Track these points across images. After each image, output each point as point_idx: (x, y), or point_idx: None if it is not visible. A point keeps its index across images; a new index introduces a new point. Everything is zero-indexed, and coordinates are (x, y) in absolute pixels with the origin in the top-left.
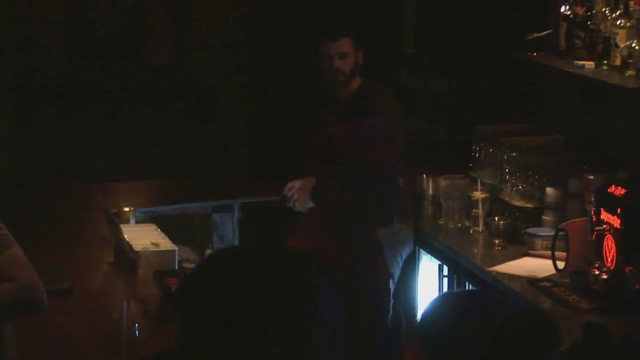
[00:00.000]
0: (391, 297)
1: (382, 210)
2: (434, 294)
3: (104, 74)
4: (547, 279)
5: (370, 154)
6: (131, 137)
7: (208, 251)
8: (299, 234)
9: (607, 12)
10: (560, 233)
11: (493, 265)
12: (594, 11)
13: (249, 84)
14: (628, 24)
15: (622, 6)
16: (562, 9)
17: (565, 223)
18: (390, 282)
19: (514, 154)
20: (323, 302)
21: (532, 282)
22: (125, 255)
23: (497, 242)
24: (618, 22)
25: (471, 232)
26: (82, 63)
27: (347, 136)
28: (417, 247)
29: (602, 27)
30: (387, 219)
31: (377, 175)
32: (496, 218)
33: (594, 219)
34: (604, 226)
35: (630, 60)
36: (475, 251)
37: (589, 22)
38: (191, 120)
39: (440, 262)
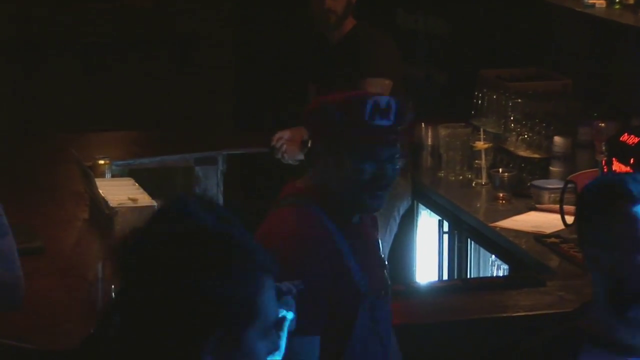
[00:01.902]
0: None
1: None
2: (434, 251)
3: (74, 18)
4: (555, 234)
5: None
6: (107, 86)
7: None
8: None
9: None
10: (569, 185)
11: (497, 221)
12: None
13: (233, 26)
14: None
15: None
16: None
17: (574, 174)
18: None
19: (519, 101)
20: (263, 295)
21: (538, 238)
22: (101, 212)
23: (501, 195)
24: None
25: (473, 184)
26: (52, 7)
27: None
28: (415, 202)
29: None
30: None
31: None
32: (500, 170)
33: (605, 170)
34: None
35: None
36: (478, 205)
37: None
38: (171, 67)
39: (440, 218)
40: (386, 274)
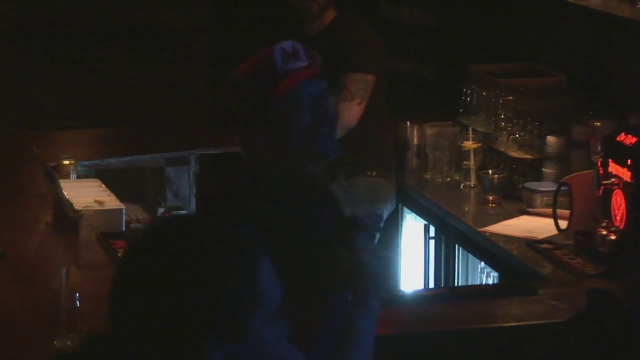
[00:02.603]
0: None
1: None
2: (419, 258)
3: (40, 6)
4: (548, 240)
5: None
6: (72, 79)
7: (160, 210)
8: None
9: None
10: (562, 188)
11: (486, 225)
12: None
13: (208, 15)
14: None
15: None
16: None
17: (568, 176)
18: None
19: (510, 98)
20: (262, 281)
21: (530, 244)
22: (66, 215)
23: (491, 198)
24: None
25: (462, 187)
26: None
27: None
28: (399, 205)
29: None
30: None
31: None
32: (490, 171)
33: (601, 172)
34: (612, 180)
35: None
36: (467, 209)
37: None
38: (142, 60)
39: (426, 222)
40: None
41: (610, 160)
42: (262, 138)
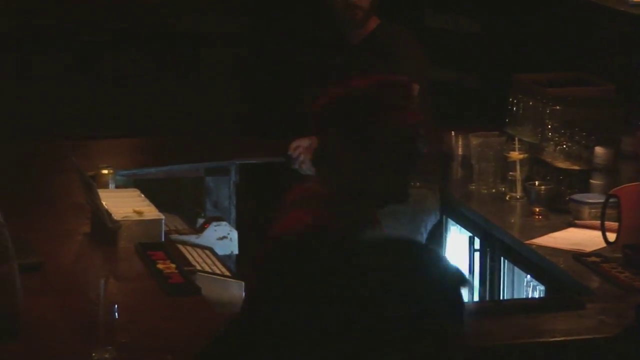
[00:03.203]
0: None
1: (392, 194)
2: (464, 271)
3: (74, 15)
4: (596, 253)
5: (401, 117)
6: (109, 88)
7: (200, 220)
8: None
9: None
10: (611, 200)
11: (533, 238)
12: None
13: (242, 22)
14: None
15: None
16: None
17: (617, 188)
18: None
19: (557, 108)
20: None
21: (578, 257)
22: (104, 226)
23: (537, 210)
24: None
25: (507, 198)
26: (48, 2)
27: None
28: (444, 217)
29: None
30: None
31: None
32: (536, 182)
33: None
34: None
35: None
36: (512, 221)
37: None
38: (178, 68)
39: (471, 234)
40: None
41: None
42: (346, 154)
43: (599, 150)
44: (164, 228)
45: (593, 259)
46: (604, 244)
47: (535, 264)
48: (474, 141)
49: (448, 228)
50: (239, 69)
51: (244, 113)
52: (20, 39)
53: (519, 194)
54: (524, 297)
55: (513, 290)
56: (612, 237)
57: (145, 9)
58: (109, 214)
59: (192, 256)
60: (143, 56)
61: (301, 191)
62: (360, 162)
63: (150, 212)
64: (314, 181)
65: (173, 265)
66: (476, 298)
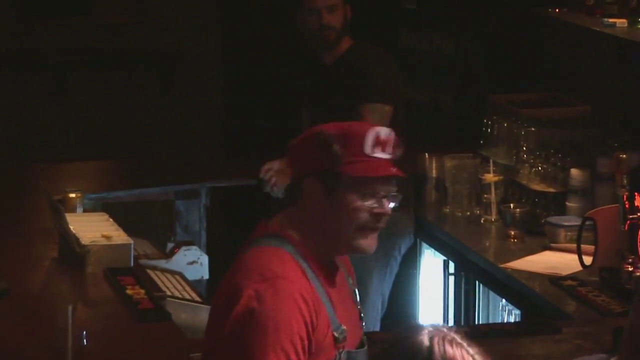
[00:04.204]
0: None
1: None
2: (438, 294)
3: (45, 36)
4: (572, 276)
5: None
6: (79, 109)
7: (170, 244)
8: None
9: None
10: (587, 222)
11: (508, 261)
12: None
13: (220, 44)
14: None
15: None
16: None
17: (593, 211)
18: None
19: (533, 129)
20: None
21: (554, 280)
22: (72, 250)
23: (512, 233)
24: None
25: (482, 221)
26: (19, 22)
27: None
28: (418, 240)
29: None
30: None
31: None
32: (512, 205)
33: (627, 206)
34: (639, 214)
35: None
36: (487, 244)
37: None
38: (150, 89)
39: (445, 258)
40: (362, 325)
41: (636, 193)
42: (314, 198)
43: (574, 172)
44: (133, 253)
45: (569, 282)
46: (580, 267)
47: (511, 287)
48: (448, 163)
49: (422, 251)
50: (213, 90)
51: (219, 134)
52: None
53: (494, 217)
54: (500, 321)
55: (488, 314)
56: (588, 260)
57: (120, 30)
58: (77, 239)
59: (162, 281)
60: (112, 77)
61: (264, 229)
62: (327, 204)
63: (119, 236)
64: (278, 218)
65: (142, 291)
66: (451, 322)
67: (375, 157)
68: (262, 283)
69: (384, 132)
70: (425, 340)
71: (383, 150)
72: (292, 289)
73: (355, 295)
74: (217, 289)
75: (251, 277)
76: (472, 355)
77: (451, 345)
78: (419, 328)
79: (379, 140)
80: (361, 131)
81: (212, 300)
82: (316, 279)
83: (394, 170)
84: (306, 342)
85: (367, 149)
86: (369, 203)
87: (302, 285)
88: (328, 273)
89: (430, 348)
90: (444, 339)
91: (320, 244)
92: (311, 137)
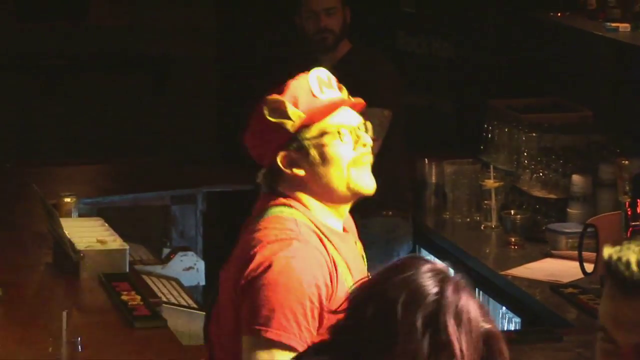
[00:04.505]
0: None
1: None
2: None
3: (40, 39)
4: (573, 284)
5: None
6: (73, 112)
7: (166, 250)
8: None
9: None
10: (588, 229)
11: (508, 268)
12: None
13: (216, 46)
14: None
15: None
16: None
17: (595, 217)
18: None
19: (534, 134)
20: None
21: (555, 288)
22: (66, 256)
23: (513, 240)
24: None
25: (482, 228)
26: (15, 27)
27: None
28: (417, 246)
29: None
30: None
31: None
32: (512, 211)
33: (630, 212)
34: None
35: None
36: (487, 251)
37: None
38: (145, 93)
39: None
40: None
41: (639, 200)
42: (294, 162)
43: (576, 178)
44: (128, 258)
45: (570, 290)
46: (581, 275)
47: (511, 295)
48: (448, 169)
49: None
50: (208, 94)
51: (214, 138)
52: None
53: (494, 223)
54: (500, 329)
55: None
56: (589, 267)
57: (114, 33)
58: (72, 244)
59: (158, 287)
60: (106, 81)
61: (265, 203)
62: (310, 160)
63: (115, 241)
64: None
65: (138, 297)
66: None
67: (327, 98)
68: (276, 243)
69: (322, 72)
70: (432, 284)
71: (332, 88)
72: (307, 252)
73: (364, 260)
74: (224, 267)
75: (265, 239)
76: (481, 307)
77: (462, 294)
78: (420, 263)
79: (322, 81)
80: (302, 80)
81: (221, 274)
82: (331, 244)
83: (352, 99)
84: (317, 307)
85: (316, 92)
86: (347, 140)
87: (318, 248)
88: (340, 238)
89: (441, 294)
90: (456, 285)
91: (324, 206)
92: (262, 116)
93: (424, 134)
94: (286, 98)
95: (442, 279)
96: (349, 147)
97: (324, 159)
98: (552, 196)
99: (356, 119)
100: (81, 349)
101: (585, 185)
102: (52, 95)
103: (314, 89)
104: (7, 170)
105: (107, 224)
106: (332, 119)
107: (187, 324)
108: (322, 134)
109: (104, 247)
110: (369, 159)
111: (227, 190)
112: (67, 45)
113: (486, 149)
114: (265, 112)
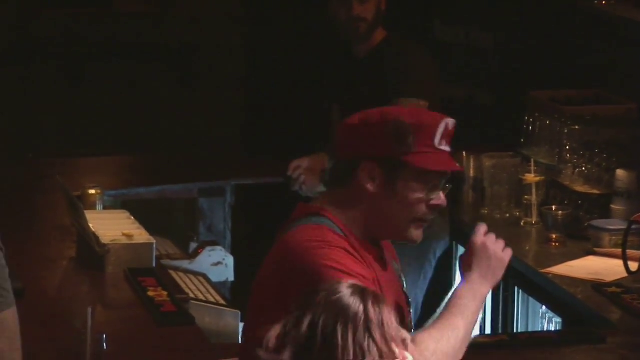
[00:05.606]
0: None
1: None
2: None
3: (64, 25)
4: (617, 283)
5: None
6: (98, 102)
7: (193, 244)
8: None
9: None
10: (633, 227)
11: (549, 266)
12: None
13: (244, 37)
14: None
15: None
16: None
17: (639, 214)
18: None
19: (576, 127)
20: None
21: (597, 287)
22: (91, 250)
23: (554, 237)
24: None
25: (522, 224)
26: (32, 12)
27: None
28: (453, 243)
29: None
30: None
31: None
32: (553, 207)
33: None
34: None
35: None
36: (527, 248)
37: None
38: (172, 82)
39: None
40: (410, 310)
41: None
42: (366, 182)
43: (620, 173)
44: (155, 253)
45: (613, 289)
46: (625, 274)
47: (552, 294)
48: (487, 162)
49: (458, 255)
50: (237, 83)
51: (243, 129)
52: (7, 51)
53: (534, 220)
54: (540, 330)
55: (527, 322)
56: (634, 266)
57: (138, 21)
58: (97, 237)
59: (185, 283)
60: (134, 69)
61: (306, 210)
62: (382, 191)
63: (141, 235)
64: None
65: (165, 293)
66: (488, 331)
67: (441, 150)
68: (312, 243)
69: (452, 123)
70: (354, 299)
71: (447, 144)
72: (349, 259)
73: (402, 279)
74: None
75: (299, 244)
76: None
77: (382, 308)
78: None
79: (446, 132)
80: (433, 122)
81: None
82: (363, 258)
83: (457, 165)
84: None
85: (436, 141)
86: (431, 195)
87: (351, 258)
88: (374, 254)
89: (365, 309)
90: (375, 299)
91: (367, 227)
92: (382, 122)
93: (462, 126)
94: (413, 127)
95: (361, 291)
96: (425, 203)
97: (401, 199)
98: (595, 192)
99: (444, 182)
100: (106, 346)
101: (629, 180)
102: (76, 83)
103: (437, 137)
104: (28, 162)
105: (133, 217)
106: (435, 171)
107: (216, 321)
108: (416, 176)
109: (130, 241)
110: (431, 218)
111: (256, 183)
112: (92, 33)
113: (527, 142)
114: (393, 124)
